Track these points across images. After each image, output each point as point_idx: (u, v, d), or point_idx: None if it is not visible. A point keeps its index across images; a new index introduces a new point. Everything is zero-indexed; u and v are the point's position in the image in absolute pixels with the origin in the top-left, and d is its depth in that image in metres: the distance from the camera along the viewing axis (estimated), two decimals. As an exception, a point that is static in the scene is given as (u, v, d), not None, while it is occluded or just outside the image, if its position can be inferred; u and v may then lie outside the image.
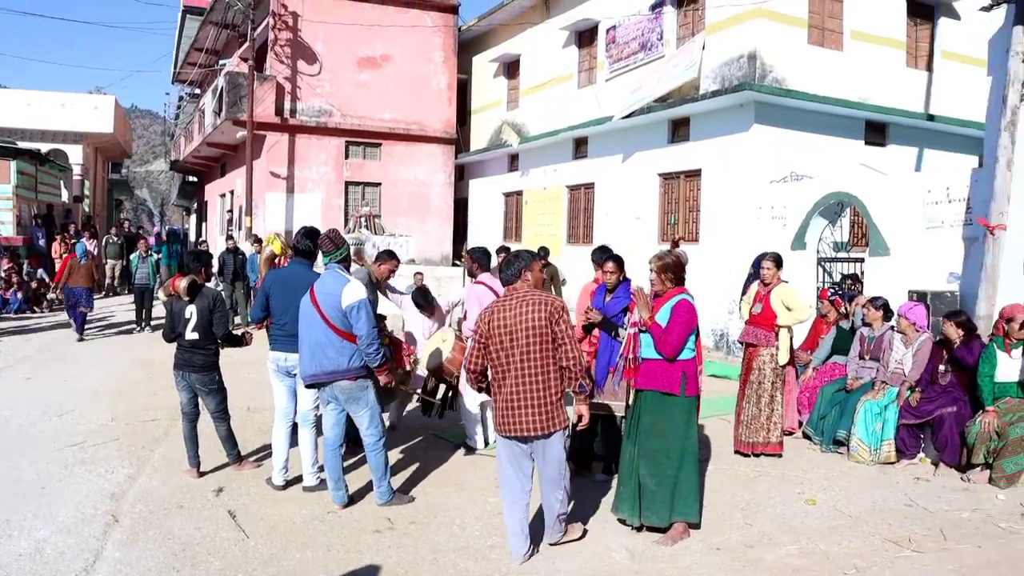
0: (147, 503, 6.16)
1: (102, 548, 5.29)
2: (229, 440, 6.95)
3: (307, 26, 22.03)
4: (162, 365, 11.99)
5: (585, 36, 19.45)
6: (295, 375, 6.30)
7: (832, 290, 10.16)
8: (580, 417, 5.08)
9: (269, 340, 6.60)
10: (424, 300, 8.37)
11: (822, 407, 8.32)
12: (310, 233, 6.55)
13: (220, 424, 6.88)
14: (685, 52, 15.67)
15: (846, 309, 9.51)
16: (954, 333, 7.64)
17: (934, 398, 7.53)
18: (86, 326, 15.30)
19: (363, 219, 22.39)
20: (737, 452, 7.86)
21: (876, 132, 15.63)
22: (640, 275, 8.55)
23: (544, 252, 12.89)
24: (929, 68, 16.32)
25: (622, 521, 5.75)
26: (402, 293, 8.35)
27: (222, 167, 28.70)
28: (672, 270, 5.65)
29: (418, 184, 23.86)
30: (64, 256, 18.43)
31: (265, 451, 7.63)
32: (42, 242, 22.66)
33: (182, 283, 6.58)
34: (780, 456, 7.74)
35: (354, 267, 6.98)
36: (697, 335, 5.65)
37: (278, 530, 5.67)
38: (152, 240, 25.14)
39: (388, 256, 7.56)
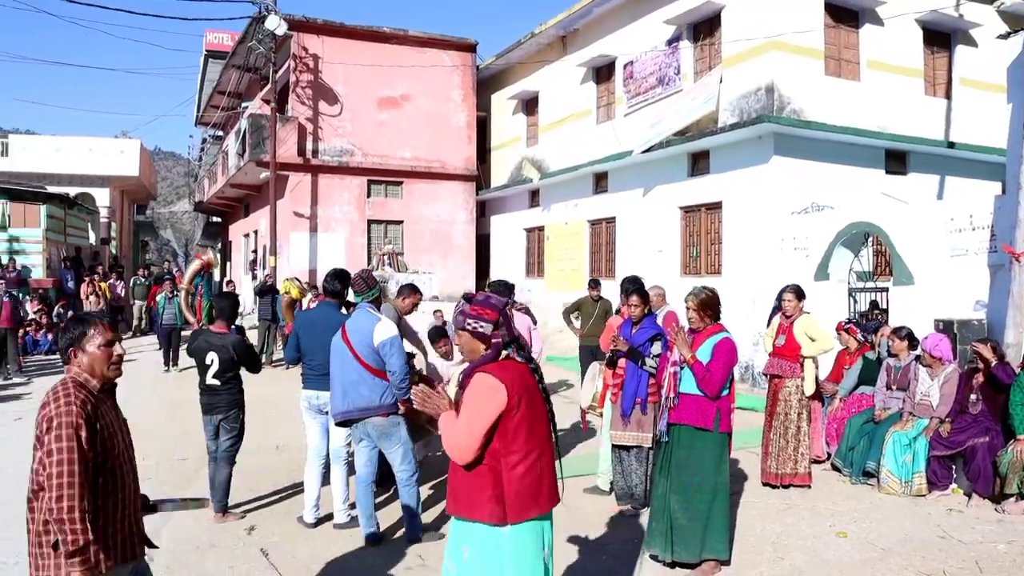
0: (180, 542, 6.23)
1: (138, 588, 5.35)
2: (224, 487, 6.79)
3: (327, 68, 22.37)
4: (190, 405, 12.03)
5: (603, 72, 19.65)
6: (327, 413, 6.38)
7: (847, 320, 10.14)
8: None
9: (302, 380, 6.68)
10: (439, 338, 8.34)
11: (850, 438, 8.28)
12: (339, 275, 6.65)
13: (224, 468, 6.75)
14: (703, 86, 15.79)
15: (864, 336, 9.49)
16: (989, 353, 7.63)
17: (965, 428, 7.48)
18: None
19: (386, 257, 22.56)
20: (765, 484, 7.83)
21: (896, 161, 15.64)
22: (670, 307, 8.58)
23: (595, 283, 12.90)
24: (948, 95, 16.36)
25: (654, 557, 5.73)
26: (416, 332, 8.18)
27: (246, 207, 29.02)
28: (711, 306, 5.69)
29: (440, 221, 24.04)
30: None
31: (294, 489, 7.71)
32: (71, 284, 22.93)
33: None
34: (809, 487, 7.71)
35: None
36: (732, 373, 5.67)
37: (311, 568, 5.71)
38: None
39: (411, 290, 7.39)
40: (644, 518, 6.69)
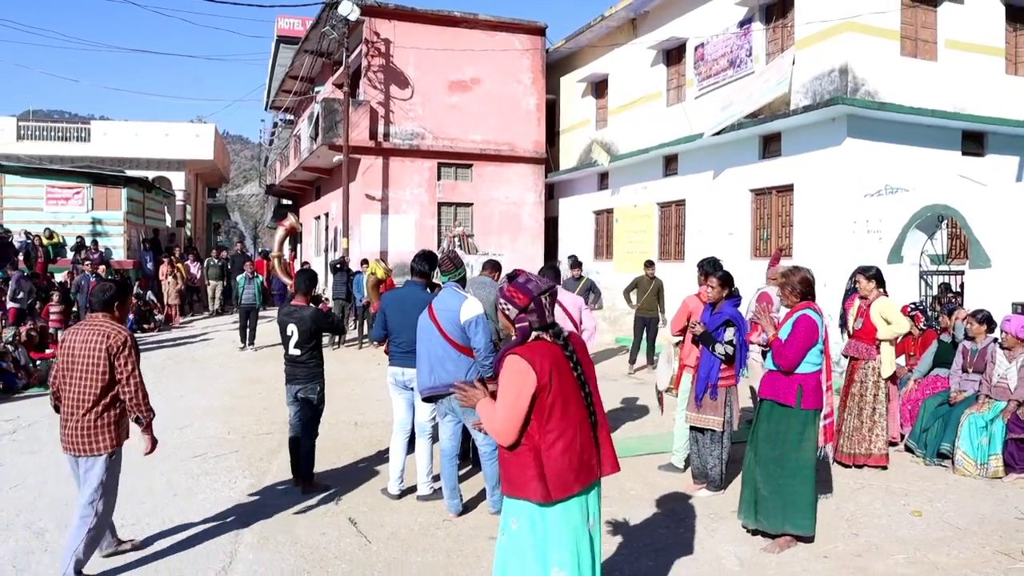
0: (272, 510, 6.55)
1: (236, 551, 5.70)
2: (308, 458, 7.05)
3: (399, 52, 22.66)
4: (268, 382, 12.54)
5: (673, 54, 19.60)
6: (412, 388, 6.64)
7: (912, 305, 10.06)
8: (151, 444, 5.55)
9: (389, 357, 6.95)
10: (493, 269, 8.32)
11: (925, 420, 8.28)
12: (426, 256, 6.88)
13: (305, 440, 7.01)
14: (775, 68, 15.69)
15: (927, 323, 9.46)
16: None
17: (1043, 411, 7.46)
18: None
19: (456, 239, 22.83)
20: (837, 463, 7.88)
21: (973, 142, 15.37)
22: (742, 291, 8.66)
23: (650, 263, 14.56)
24: (1030, 75, 15.99)
25: (744, 525, 5.93)
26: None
27: (317, 190, 29.54)
28: (798, 285, 5.87)
29: (509, 204, 24.24)
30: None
31: (374, 463, 8.02)
32: (150, 265, 23.62)
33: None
34: (885, 468, 7.75)
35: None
36: (825, 350, 5.80)
37: (398, 536, 5.97)
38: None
39: (492, 267, 7.56)
40: (719, 497, 6.84)
